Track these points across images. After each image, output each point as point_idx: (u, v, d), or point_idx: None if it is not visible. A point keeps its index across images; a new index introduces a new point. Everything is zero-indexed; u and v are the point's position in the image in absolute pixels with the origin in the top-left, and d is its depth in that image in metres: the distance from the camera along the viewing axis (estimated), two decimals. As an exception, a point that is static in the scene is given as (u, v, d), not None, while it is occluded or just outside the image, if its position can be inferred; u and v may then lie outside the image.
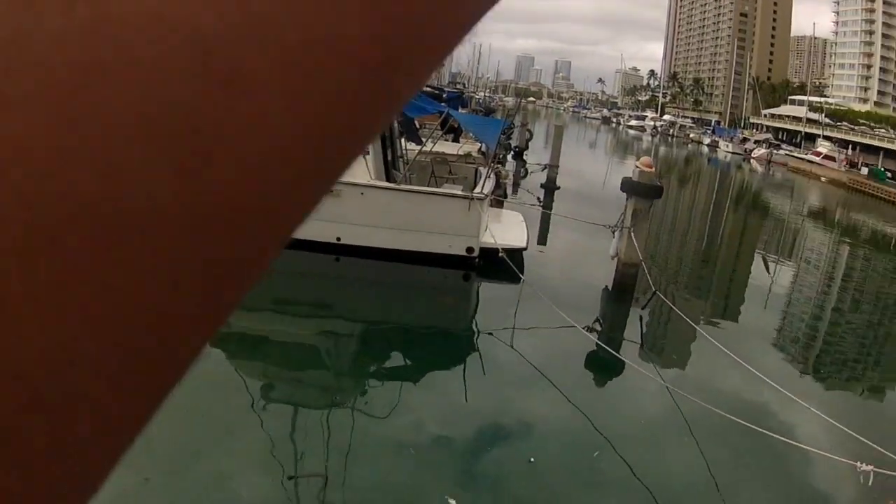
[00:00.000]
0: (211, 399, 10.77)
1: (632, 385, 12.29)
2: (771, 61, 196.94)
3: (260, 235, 0.25)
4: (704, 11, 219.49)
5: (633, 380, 12.28)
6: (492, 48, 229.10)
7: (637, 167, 16.75)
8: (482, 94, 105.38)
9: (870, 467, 8.19)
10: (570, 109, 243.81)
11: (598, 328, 15.13)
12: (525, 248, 18.04)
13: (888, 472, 8.49)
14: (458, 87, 67.24)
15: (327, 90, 0.24)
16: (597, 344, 13.33)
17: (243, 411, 10.26)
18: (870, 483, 8.25)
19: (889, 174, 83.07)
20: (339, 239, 17.53)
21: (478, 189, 17.87)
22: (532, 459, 9.32)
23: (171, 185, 0.20)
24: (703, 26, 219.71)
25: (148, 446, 9.19)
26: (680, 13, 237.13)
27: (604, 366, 12.85)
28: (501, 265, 15.53)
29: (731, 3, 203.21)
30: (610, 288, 17.19)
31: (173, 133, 0.20)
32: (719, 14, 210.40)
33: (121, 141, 0.19)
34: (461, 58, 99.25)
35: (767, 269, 26.67)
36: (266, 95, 0.22)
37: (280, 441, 9.27)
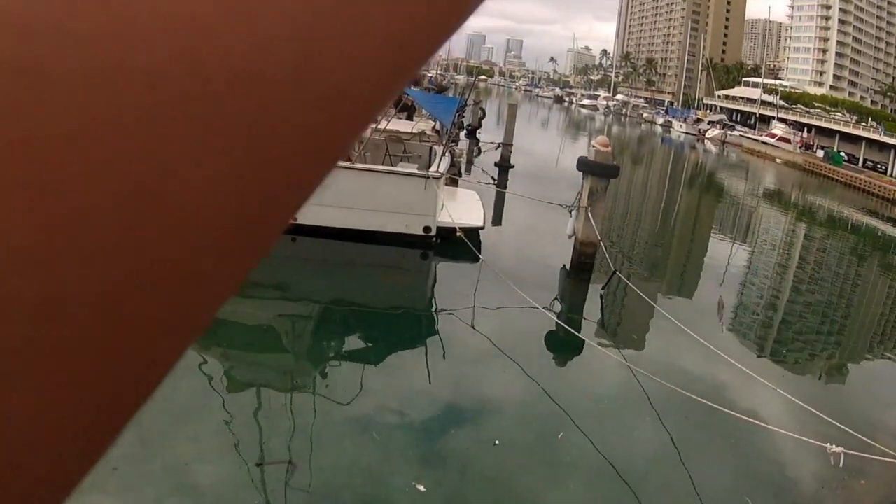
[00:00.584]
0: (170, 385, 10.54)
1: (593, 364, 12.33)
2: (725, 43, 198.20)
3: (259, 231, 0.27)
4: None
5: (594, 359, 12.32)
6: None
7: (593, 146, 16.76)
8: (434, 72, 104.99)
9: (840, 449, 8.22)
10: (523, 88, 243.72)
11: (558, 307, 15.18)
12: (482, 227, 18.01)
13: (860, 454, 8.56)
14: (409, 65, 67.21)
15: (329, 92, 0.25)
16: (557, 323, 13.39)
17: (204, 397, 10.14)
18: (840, 465, 8.29)
19: (845, 157, 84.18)
20: (295, 219, 17.29)
21: (433, 168, 17.80)
22: (497, 442, 9.32)
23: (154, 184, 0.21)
24: (657, 7, 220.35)
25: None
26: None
27: (564, 345, 12.89)
28: (459, 244, 15.47)
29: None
30: (568, 267, 17.23)
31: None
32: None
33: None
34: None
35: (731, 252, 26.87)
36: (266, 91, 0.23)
37: (243, 427, 9.20)
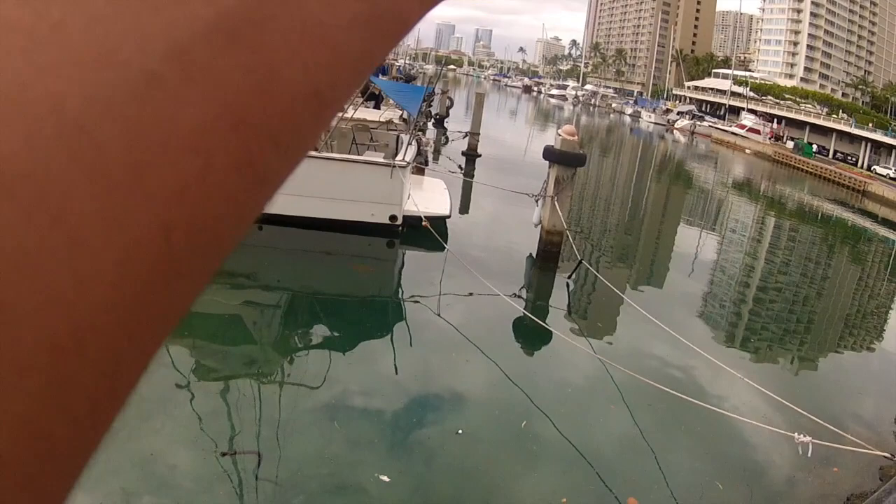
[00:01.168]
0: None
1: (559, 354, 12.40)
2: (695, 35, 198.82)
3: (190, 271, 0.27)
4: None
5: (560, 348, 12.40)
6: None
7: (559, 135, 16.78)
8: (402, 61, 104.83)
9: (808, 438, 8.35)
10: (491, 78, 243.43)
11: (525, 296, 15.27)
12: (449, 216, 18.05)
13: (827, 444, 8.69)
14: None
15: (291, 87, 0.27)
16: (523, 312, 13.45)
17: (169, 387, 10.10)
18: (808, 454, 8.42)
19: (816, 149, 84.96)
20: (259, 208, 17.39)
21: (400, 157, 17.76)
22: (460, 431, 9.38)
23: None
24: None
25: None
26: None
27: (531, 334, 12.95)
28: (425, 233, 15.53)
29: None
30: (534, 256, 17.29)
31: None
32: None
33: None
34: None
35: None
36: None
37: (210, 417, 9.23)
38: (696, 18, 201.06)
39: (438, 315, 13.49)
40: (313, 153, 17.33)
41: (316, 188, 17.01)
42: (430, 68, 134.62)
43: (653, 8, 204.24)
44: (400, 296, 14.91)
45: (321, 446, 8.84)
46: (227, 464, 8.21)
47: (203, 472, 8.12)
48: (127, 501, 7.55)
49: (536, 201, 17.10)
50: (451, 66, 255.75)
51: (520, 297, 15.03)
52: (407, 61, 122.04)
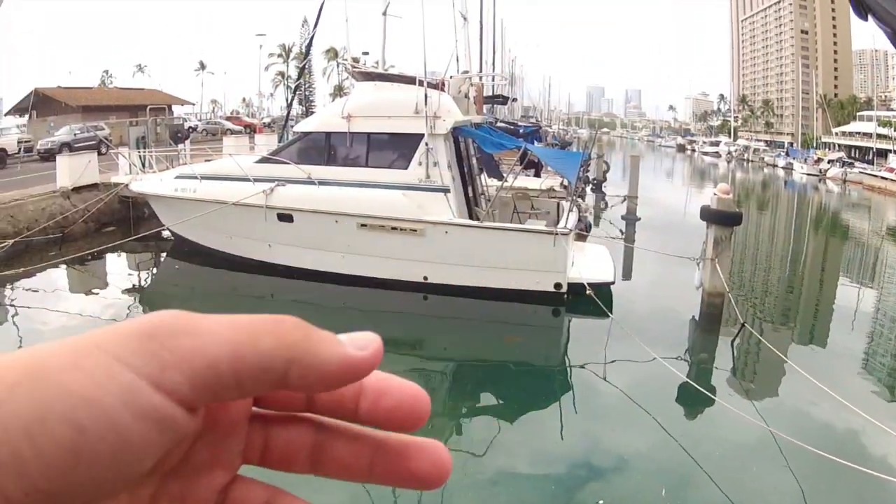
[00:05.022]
0: None
1: (720, 419, 11.84)
2: (836, 77, 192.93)
3: None
4: (766, 31, 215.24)
5: (721, 414, 11.83)
6: (561, 80, 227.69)
7: (715, 194, 16.36)
8: (556, 127, 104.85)
9: None
10: (645, 139, 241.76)
11: (688, 360, 14.80)
12: (612, 283, 17.66)
13: None
14: (531, 120, 66.97)
15: None
16: (685, 379, 13.00)
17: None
18: None
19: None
20: (426, 278, 17.43)
21: (561, 223, 17.58)
22: (601, 502, 9.09)
23: None
24: (767, 45, 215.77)
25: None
26: (742, 33, 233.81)
27: (692, 400, 12.45)
28: (589, 300, 15.24)
29: (791, 20, 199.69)
30: (697, 319, 16.76)
31: None
32: (781, 33, 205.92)
33: None
34: (532, 91, 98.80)
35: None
36: None
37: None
38: (835, 60, 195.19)
39: (604, 380, 13.27)
40: (476, 223, 17.32)
41: (479, 257, 16.98)
42: (584, 132, 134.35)
43: (792, 54, 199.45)
44: (566, 363, 14.67)
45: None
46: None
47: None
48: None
49: (697, 264, 16.64)
50: (605, 130, 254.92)
51: (684, 360, 14.63)
52: (561, 127, 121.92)
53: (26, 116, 72.36)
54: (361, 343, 0.51)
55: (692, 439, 10.93)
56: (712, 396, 12.05)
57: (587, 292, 15.33)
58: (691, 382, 12.60)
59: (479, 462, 9.84)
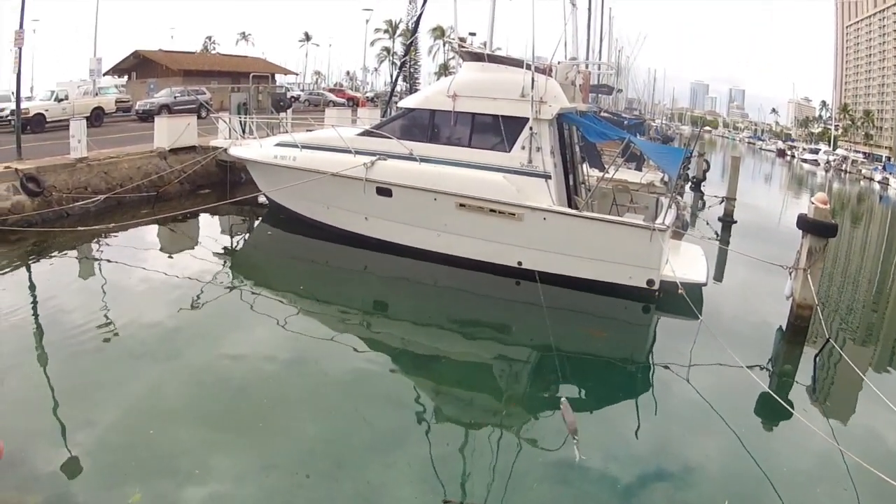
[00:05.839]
0: (378, 409, 10.82)
1: (794, 434, 11.49)
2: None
3: None
4: (870, 38, 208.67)
5: (796, 429, 11.50)
6: (666, 74, 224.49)
7: (812, 203, 15.96)
8: (659, 121, 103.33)
9: None
10: (745, 140, 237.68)
11: (771, 370, 14.45)
12: (705, 284, 17.39)
13: None
14: (635, 113, 66.31)
15: None
16: (766, 389, 12.69)
17: (409, 426, 10.29)
18: None
19: None
20: (520, 263, 17.35)
21: (659, 220, 17.36)
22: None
23: None
24: (871, 54, 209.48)
25: (310, 448, 9.19)
26: (847, 40, 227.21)
27: (770, 411, 12.16)
28: (680, 299, 14.98)
29: (894, 30, 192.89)
30: (784, 330, 16.35)
31: None
32: (884, 42, 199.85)
33: None
34: (637, 82, 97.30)
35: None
36: None
37: (442, 460, 9.21)
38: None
39: (686, 381, 13.17)
40: (574, 212, 17.16)
41: (575, 246, 16.85)
42: (686, 129, 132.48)
43: (894, 65, 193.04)
44: (650, 361, 14.47)
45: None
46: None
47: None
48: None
49: (789, 273, 16.24)
50: (707, 128, 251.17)
51: (766, 370, 14.31)
52: (663, 121, 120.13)
53: (125, 77, 73.87)
54: None
55: (764, 452, 10.65)
56: (790, 410, 11.72)
57: (679, 291, 15.05)
58: (772, 394, 12.30)
59: (551, 455, 9.82)
